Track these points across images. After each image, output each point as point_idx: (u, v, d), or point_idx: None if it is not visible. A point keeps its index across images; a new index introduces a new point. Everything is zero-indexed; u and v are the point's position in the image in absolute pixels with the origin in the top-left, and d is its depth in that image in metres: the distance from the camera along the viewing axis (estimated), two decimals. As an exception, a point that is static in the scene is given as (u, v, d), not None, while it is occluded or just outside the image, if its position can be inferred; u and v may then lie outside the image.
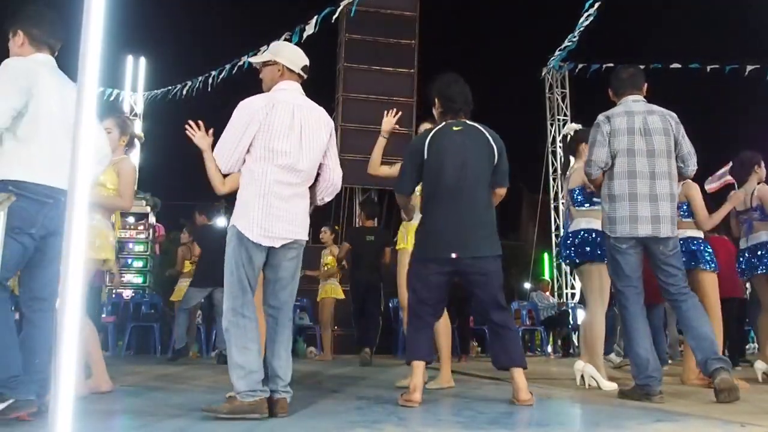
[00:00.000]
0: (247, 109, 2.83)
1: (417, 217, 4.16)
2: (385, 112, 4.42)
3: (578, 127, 4.78)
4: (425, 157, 3.40)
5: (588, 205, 4.37)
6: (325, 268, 7.99)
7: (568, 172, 4.59)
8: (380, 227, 7.62)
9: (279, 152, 2.80)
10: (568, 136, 4.69)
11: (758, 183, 4.86)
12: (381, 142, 4.42)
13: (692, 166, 3.69)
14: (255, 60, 3.03)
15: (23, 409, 2.39)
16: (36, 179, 2.56)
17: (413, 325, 3.39)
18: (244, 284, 2.75)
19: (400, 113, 4.39)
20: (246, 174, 2.83)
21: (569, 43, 13.66)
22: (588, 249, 4.29)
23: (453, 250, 3.30)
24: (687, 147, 3.65)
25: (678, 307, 3.57)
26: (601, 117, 3.69)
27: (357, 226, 7.51)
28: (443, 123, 3.51)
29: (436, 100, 3.60)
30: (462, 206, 3.35)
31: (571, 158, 4.65)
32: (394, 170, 4.48)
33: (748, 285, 6.28)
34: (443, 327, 4.17)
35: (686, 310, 3.52)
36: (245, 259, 2.76)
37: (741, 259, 5.00)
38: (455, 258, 3.29)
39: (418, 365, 3.26)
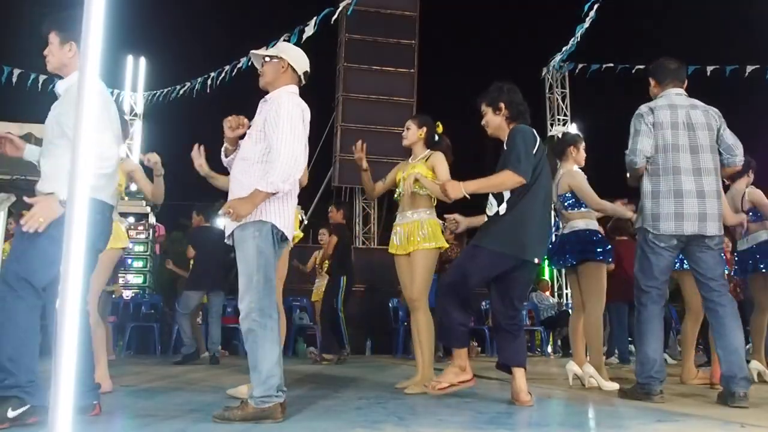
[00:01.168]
0: (298, 107, 2.77)
1: (417, 216, 4.14)
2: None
3: (565, 129, 4.80)
4: (534, 153, 3.30)
5: (579, 208, 4.39)
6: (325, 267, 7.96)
7: (556, 177, 4.54)
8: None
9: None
10: (555, 138, 4.65)
11: (746, 186, 4.82)
12: (364, 175, 4.33)
13: (740, 156, 3.59)
14: (259, 53, 2.94)
15: (37, 415, 2.43)
16: (110, 200, 2.74)
17: (462, 311, 3.33)
18: (271, 284, 2.69)
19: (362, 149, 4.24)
20: None
21: (570, 46, 13.65)
22: (591, 247, 4.29)
23: (537, 255, 3.32)
24: (731, 138, 3.56)
25: (714, 311, 3.42)
26: (643, 108, 3.58)
27: (336, 223, 7.43)
28: (528, 125, 3.45)
29: (502, 105, 3.49)
30: (548, 213, 3.44)
31: (558, 162, 4.62)
32: (389, 181, 4.43)
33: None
34: (426, 324, 4.03)
35: (723, 316, 3.38)
36: (274, 258, 2.74)
37: (738, 260, 5.00)
38: (535, 262, 3.31)
39: (461, 352, 3.37)
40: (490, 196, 3.44)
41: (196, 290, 6.99)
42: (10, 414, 2.37)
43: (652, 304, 3.53)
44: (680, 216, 3.41)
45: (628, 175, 3.80)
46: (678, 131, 3.47)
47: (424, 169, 4.10)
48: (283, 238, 2.81)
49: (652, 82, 3.74)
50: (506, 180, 3.27)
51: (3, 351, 2.42)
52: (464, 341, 3.41)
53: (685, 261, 4.30)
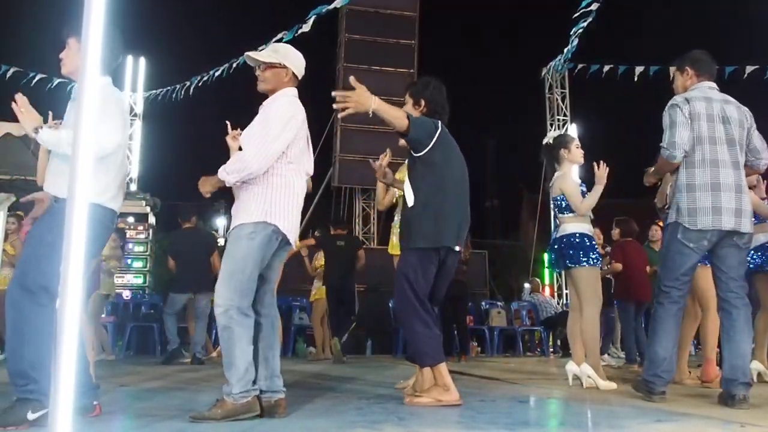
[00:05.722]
0: (288, 113, 2.81)
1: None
2: (378, 161, 4.06)
3: (558, 134, 4.81)
4: (433, 141, 3.29)
5: (571, 212, 4.39)
6: (318, 270, 7.99)
7: (551, 180, 4.53)
8: (349, 233, 7.93)
9: (308, 163, 2.96)
10: (547, 144, 4.64)
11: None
12: (380, 185, 4.36)
13: (766, 159, 3.54)
14: (261, 58, 2.90)
15: None
16: (113, 206, 2.76)
17: (426, 325, 3.23)
18: (254, 285, 2.74)
19: (387, 157, 4.05)
20: (277, 177, 2.80)
21: (570, 46, 13.62)
22: (575, 253, 4.29)
23: (457, 242, 3.34)
24: (758, 140, 3.50)
25: (728, 312, 3.35)
26: (678, 98, 3.47)
27: (330, 233, 7.73)
28: (440, 122, 3.45)
29: (423, 101, 3.54)
30: (465, 202, 3.43)
31: (557, 166, 4.61)
32: (396, 191, 4.44)
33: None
34: None
35: (736, 320, 3.31)
36: (265, 259, 2.77)
37: None
38: (455, 250, 3.34)
39: (444, 366, 3.26)
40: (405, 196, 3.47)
41: (181, 292, 6.97)
42: (30, 416, 2.38)
43: (671, 303, 3.44)
44: (718, 210, 3.29)
45: (652, 169, 3.72)
46: (714, 124, 3.38)
47: None
48: (286, 242, 2.83)
49: (690, 71, 3.58)
50: (399, 116, 3.17)
51: (24, 358, 2.44)
52: (437, 356, 3.26)
53: None
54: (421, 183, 3.34)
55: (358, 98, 3.01)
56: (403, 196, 4.18)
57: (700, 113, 3.39)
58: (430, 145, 3.28)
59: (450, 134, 3.48)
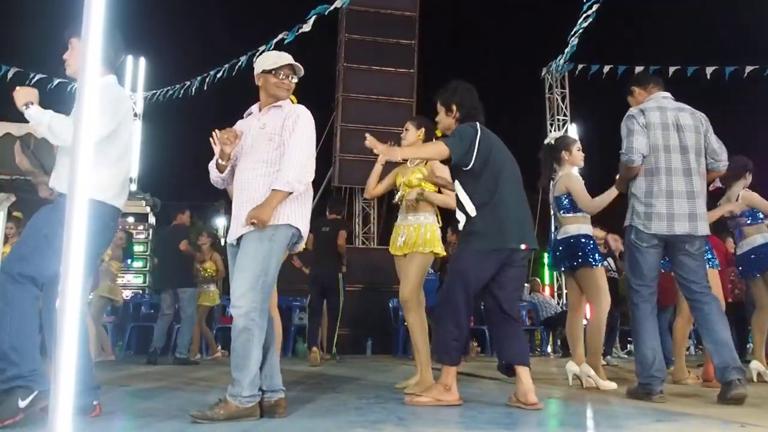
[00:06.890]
0: (312, 121, 2.90)
1: (418, 219, 4.14)
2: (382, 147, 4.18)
3: (560, 134, 4.82)
4: (476, 148, 3.25)
5: (573, 212, 4.39)
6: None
7: (553, 180, 4.55)
8: (339, 218, 7.41)
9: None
10: (549, 145, 4.64)
11: (742, 189, 4.79)
12: (377, 169, 4.30)
13: (724, 161, 3.66)
14: (298, 68, 2.96)
15: (46, 399, 2.44)
16: (117, 203, 2.76)
17: (458, 326, 3.20)
18: (272, 288, 2.76)
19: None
20: None
21: (570, 47, 13.61)
22: (582, 254, 4.30)
23: (523, 241, 3.26)
24: (716, 143, 3.62)
25: (699, 309, 3.49)
26: (633, 110, 3.63)
27: (320, 218, 7.29)
28: (477, 122, 3.40)
29: (454, 107, 3.49)
30: (524, 199, 3.39)
31: (556, 166, 4.62)
32: (388, 183, 4.43)
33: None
34: (417, 325, 3.98)
35: (708, 313, 3.44)
36: (281, 260, 2.81)
37: (738, 263, 5.01)
38: (523, 249, 3.25)
39: (450, 370, 3.24)
40: (457, 212, 3.41)
41: (162, 290, 7.03)
42: (21, 404, 2.39)
43: (644, 302, 3.57)
44: (671, 216, 3.47)
45: (617, 177, 3.81)
46: (668, 132, 3.53)
47: (424, 173, 4.13)
48: (294, 242, 2.87)
49: (636, 90, 3.80)
50: (437, 148, 3.33)
51: (5, 340, 2.43)
52: (455, 358, 3.24)
53: None
54: (475, 188, 3.30)
55: (387, 153, 3.21)
56: (401, 198, 4.19)
57: (654, 123, 3.54)
58: (475, 154, 3.24)
59: (491, 131, 3.42)
